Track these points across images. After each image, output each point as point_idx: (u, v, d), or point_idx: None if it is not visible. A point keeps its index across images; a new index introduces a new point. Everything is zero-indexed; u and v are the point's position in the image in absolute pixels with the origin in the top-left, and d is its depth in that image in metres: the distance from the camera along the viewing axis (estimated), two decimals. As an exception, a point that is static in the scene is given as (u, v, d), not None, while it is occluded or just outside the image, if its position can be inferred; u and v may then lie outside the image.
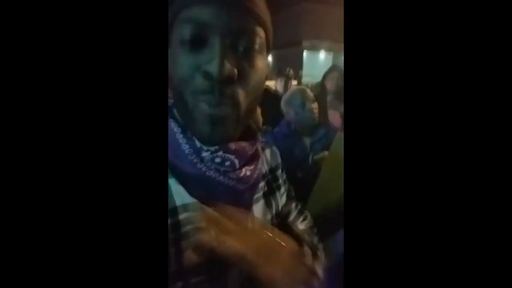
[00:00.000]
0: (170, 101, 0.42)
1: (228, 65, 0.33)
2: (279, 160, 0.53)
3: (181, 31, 0.34)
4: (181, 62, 0.35)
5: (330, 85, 1.82)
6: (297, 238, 0.46)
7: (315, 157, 1.29)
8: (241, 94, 0.35)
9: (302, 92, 1.37)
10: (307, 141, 1.36)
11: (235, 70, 0.33)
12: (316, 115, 1.36)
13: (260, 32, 0.36)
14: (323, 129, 1.38)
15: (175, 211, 0.37)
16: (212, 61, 0.33)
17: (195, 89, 0.35)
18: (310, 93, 1.39)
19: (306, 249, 0.46)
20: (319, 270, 0.44)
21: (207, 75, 0.33)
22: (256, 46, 0.36)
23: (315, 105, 1.37)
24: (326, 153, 1.20)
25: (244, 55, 0.35)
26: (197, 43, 0.34)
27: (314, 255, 0.47)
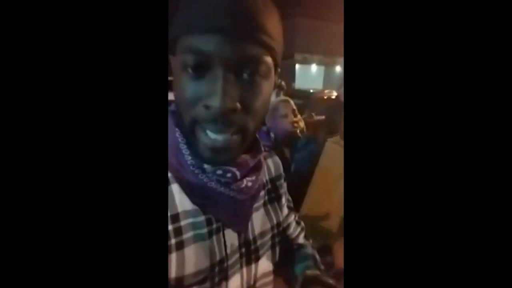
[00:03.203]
0: (172, 107, 0.42)
1: (230, 99, 0.32)
2: (281, 170, 0.53)
3: (184, 58, 0.33)
4: (183, 87, 0.34)
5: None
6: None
7: (296, 168, 1.29)
8: (246, 120, 0.35)
9: (285, 103, 1.38)
10: (286, 151, 1.36)
11: (237, 104, 0.33)
12: (298, 128, 1.37)
13: (266, 58, 0.34)
14: (303, 140, 1.38)
15: (177, 217, 0.37)
16: (215, 95, 0.32)
17: (196, 116, 0.34)
18: (293, 105, 1.40)
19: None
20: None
21: (209, 109, 0.33)
22: (261, 73, 0.34)
23: (297, 118, 1.38)
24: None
25: (248, 83, 0.34)
26: (200, 72, 0.33)
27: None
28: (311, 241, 0.57)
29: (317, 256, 0.52)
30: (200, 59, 0.33)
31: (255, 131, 0.38)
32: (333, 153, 0.99)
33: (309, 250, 0.53)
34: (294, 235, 0.54)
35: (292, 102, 1.44)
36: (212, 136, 0.34)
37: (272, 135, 1.34)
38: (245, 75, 0.34)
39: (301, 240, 0.55)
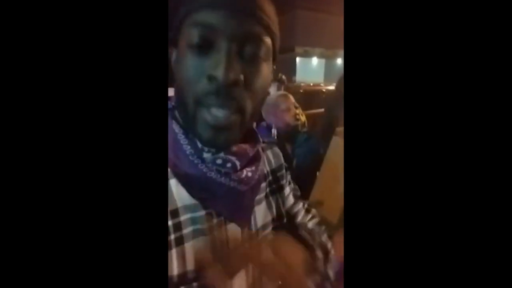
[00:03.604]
0: (172, 103, 0.42)
1: (234, 71, 0.33)
2: (282, 160, 0.53)
3: (189, 34, 0.35)
4: (187, 65, 0.35)
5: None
6: (307, 243, 0.46)
7: (297, 163, 1.29)
8: (245, 100, 0.36)
9: (285, 97, 1.38)
10: (288, 147, 1.36)
11: (241, 76, 0.33)
12: (300, 121, 1.37)
13: (267, 39, 0.36)
14: (304, 135, 1.38)
15: (176, 212, 0.37)
16: (219, 66, 0.33)
17: (200, 92, 0.34)
18: (293, 99, 1.40)
19: (318, 252, 0.46)
20: (331, 272, 0.45)
21: (212, 80, 0.33)
22: (262, 53, 0.36)
23: (299, 111, 1.38)
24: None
25: (250, 62, 0.35)
26: (205, 46, 0.34)
27: (325, 258, 0.47)
28: (324, 227, 0.56)
29: (327, 243, 0.52)
30: (205, 33, 0.34)
31: (253, 113, 0.38)
32: (339, 148, 0.99)
33: (319, 235, 0.53)
34: (303, 222, 0.54)
35: (291, 96, 1.43)
36: (213, 112, 0.35)
37: (274, 130, 1.34)
38: (247, 52, 0.35)
39: (311, 225, 0.55)
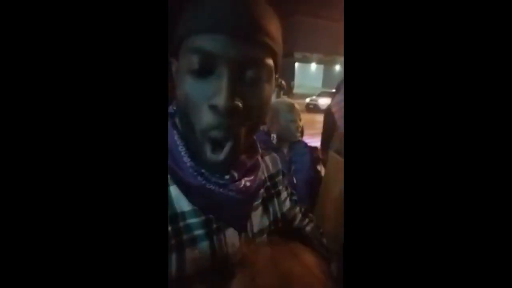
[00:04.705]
0: (173, 108, 0.42)
1: (235, 98, 0.32)
2: (279, 166, 0.54)
3: (189, 59, 0.34)
4: (188, 88, 0.35)
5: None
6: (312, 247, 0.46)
7: (296, 169, 1.31)
8: (246, 122, 0.35)
9: (293, 108, 1.39)
10: (285, 151, 1.37)
11: (240, 104, 0.33)
12: (300, 133, 1.38)
13: (269, 61, 0.36)
14: (303, 142, 1.40)
15: (175, 217, 0.37)
16: (220, 93, 0.32)
17: (202, 123, 0.34)
18: (299, 111, 1.41)
19: (322, 255, 0.46)
20: (335, 273, 0.44)
21: (214, 109, 0.33)
22: (264, 76, 0.35)
23: (301, 123, 1.39)
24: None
25: (251, 85, 0.35)
26: (205, 72, 0.34)
27: (327, 259, 0.47)
28: (321, 230, 0.56)
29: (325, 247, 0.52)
30: (205, 59, 0.33)
31: (253, 131, 0.38)
32: (335, 164, 0.99)
33: (318, 239, 0.53)
34: (301, 226, 0.54)
35: (297, 106, 1.44)
36: (212, 141, 0.35)
37: (274, 135, 1.34)
38: (248, 76, 0.34)
39: (308, 229, 0.55)
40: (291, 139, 1.36)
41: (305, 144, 1.40)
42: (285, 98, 1.51)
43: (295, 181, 1.30)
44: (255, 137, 0.44)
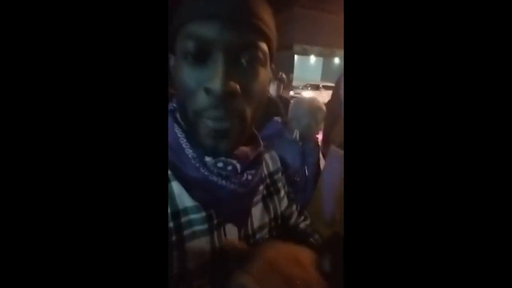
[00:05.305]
0: (173, 105, 0.42)
1: (231, 81, 0.33)
2: (279, 164, 0.54)
3: (185, 46, 0.35)
4: (184, 76, 0.35)
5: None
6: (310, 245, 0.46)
7: (309, 170, 1.34)
8: (245, 107, 0.36)
9: (323, 110, 1.40)
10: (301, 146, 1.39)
11: (238, 86, 0.33)
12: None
13: (263, 45, 0.36)
14: (311, 142, 1.42)
15: (177, 214, 0.38)
16: (215, 77, 0.33)
17: (198, 105, 0.35)
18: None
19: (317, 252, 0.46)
20: (327, 268, 0.45)
21: (210, 92, 0.33)
22: (259, 60, 0.36)
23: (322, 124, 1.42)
24: None
25: (247, 68, 0.35)
26: (200, 57, 0.34)
27: (321, 256, 0.47)
28: (314, 228, 0.57)
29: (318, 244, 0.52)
30: (201, 45, 0.34)
31: (253, 119, 0.38)
32: (335, 160, 1.00)
33: (311, 236, 0.54)
34: (296, 225, 0.55)
35: (324, 108, 1.44)
36: (212, 125, 0.35)
37: (296, 132, 1.34)
38: (243, 61, 0.35)
39: (303, 227, 0.56)
40: (309, 139, 1.39)
41: (313, 143, 1.43)
42: (315, 98, 1.49)
43: (307, 174, 1.34)
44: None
